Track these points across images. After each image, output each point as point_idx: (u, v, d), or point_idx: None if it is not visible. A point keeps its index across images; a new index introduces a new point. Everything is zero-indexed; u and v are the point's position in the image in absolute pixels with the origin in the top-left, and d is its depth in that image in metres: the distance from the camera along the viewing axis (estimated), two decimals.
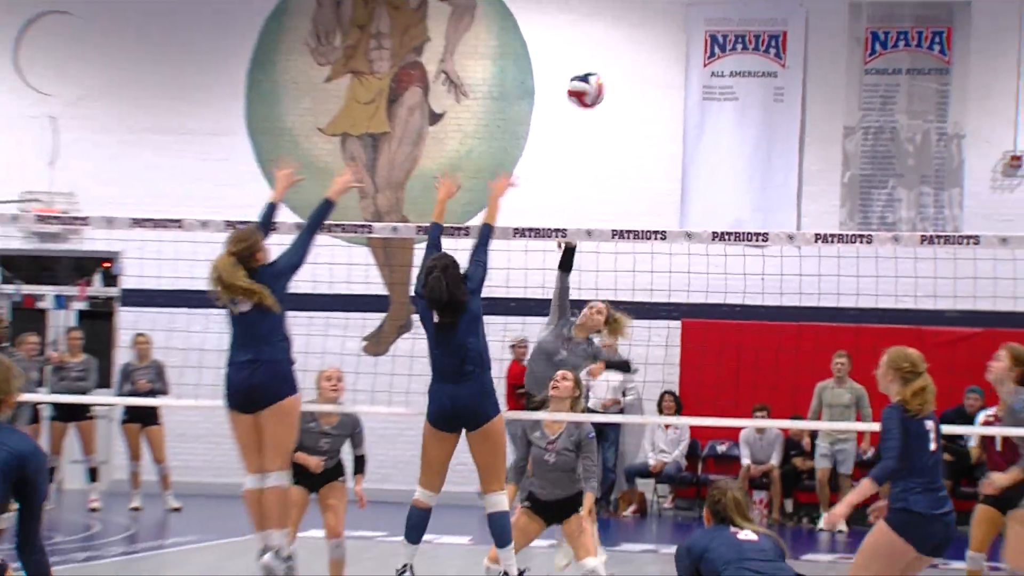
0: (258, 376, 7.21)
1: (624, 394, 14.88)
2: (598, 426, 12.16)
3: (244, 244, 7.41)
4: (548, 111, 16.38)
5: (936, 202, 15.28)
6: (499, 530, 7.66)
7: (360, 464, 8.80)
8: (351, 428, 8.67)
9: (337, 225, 10.93)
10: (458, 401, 7.46)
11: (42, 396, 13.27)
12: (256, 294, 7.22)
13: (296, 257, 7.66)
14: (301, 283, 15.23)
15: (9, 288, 16.61)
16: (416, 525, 7.61)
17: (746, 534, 5.74)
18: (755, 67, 15.87)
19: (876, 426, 8.71)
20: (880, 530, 6.41)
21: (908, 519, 6.28)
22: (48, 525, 10.74)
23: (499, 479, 7.87)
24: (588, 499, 8.87)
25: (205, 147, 17.05)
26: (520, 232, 9.56)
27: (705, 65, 15.92)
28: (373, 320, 16.26)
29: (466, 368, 7.43)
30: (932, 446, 6.56)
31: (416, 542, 7.70)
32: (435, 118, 16.50)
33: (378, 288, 16.25)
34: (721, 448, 15.25)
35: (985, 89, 15.88)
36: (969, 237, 12.05)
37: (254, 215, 8.92)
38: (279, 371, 7.31)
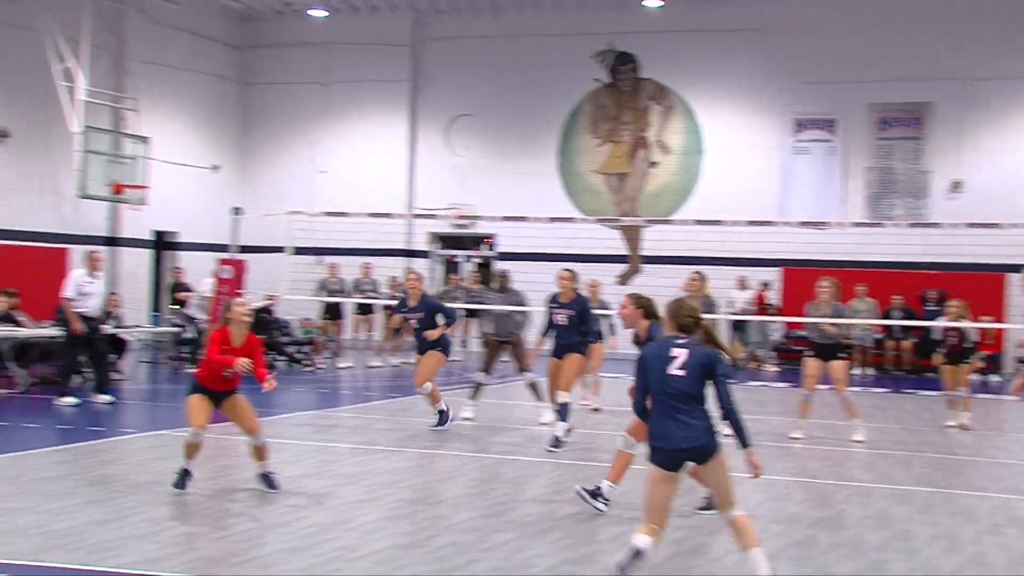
0: None
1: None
2: None
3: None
4: (712, 163, 27.33)
5: (915, 207, 26.48)
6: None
7: None
8: None
9: (610, 219, 22.96)
10: None
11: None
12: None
13: None
14: (583, 248, 25.80)
15: (443, 252, 29.34)
16: None
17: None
18: (819, 137, 26.64)
19: None
20: None
21: None
22: None
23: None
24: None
25: (528, 180, 28.27)
26: (699, 222, 21.42)
27: (792, 135, 26.87)
28: (620, 267, 27.69)
29: None
30: None
31: None
32: (653, 164, 27.82)
33: (622, 251, 27.48)
34: None
35: (941, 145, 25.69)
36: (932, 224, 22.94)
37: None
38: None
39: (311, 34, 30.19)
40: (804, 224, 21.48)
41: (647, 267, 26.81)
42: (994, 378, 24.56)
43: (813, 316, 14.19)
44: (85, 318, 15.87)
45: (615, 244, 27.54)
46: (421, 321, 13.87)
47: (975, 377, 20.60)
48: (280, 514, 8.77)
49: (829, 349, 14.05)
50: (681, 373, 6.45)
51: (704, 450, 6.39)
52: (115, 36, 25.75)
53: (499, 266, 16.87)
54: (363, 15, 29.72)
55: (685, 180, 27.81)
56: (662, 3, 27.49)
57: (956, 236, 21.95)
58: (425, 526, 8.50)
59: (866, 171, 26.74)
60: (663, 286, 14.03)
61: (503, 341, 15.21)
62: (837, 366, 13.95)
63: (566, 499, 9.43)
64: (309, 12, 29.45)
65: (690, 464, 6.49)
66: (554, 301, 13.16)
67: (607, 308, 16.63)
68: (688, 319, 6.64)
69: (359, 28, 29.77)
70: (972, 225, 20.40)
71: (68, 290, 15.89)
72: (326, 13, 29.45)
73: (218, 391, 9.50)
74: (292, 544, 7.79)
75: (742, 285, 25.78)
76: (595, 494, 9.03)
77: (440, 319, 14.21)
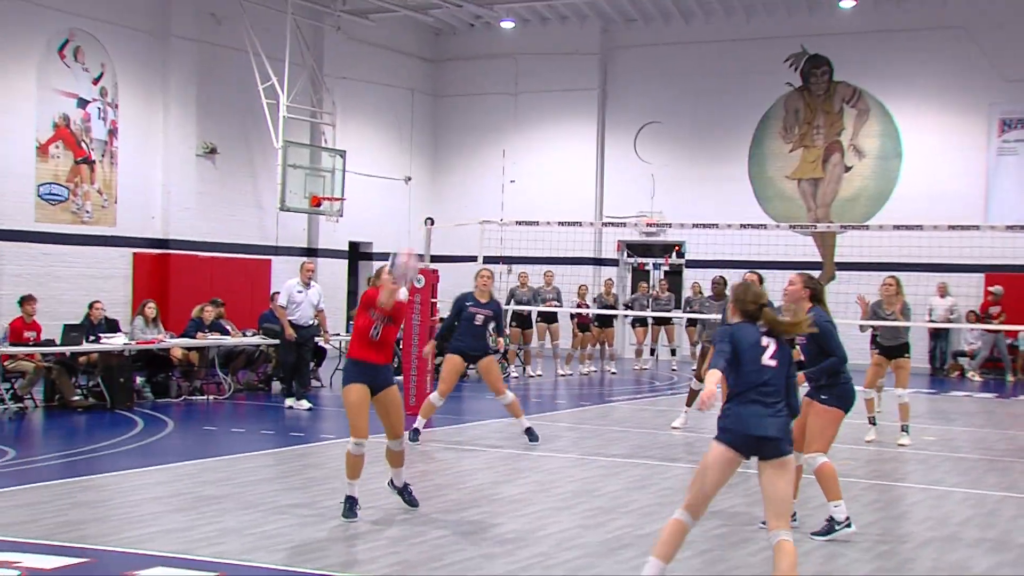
0: None
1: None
2: None
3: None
4: (910, 166, 26.57)
5: None
6: None
7: None
8: None
9: (806, 225, 22.64)
10: None
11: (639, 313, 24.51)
12: None
13: None
14: (774, 255, 25.91)
15: (631, 260, 29.39)
16: None
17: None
18: None
19: None
20: None
21: None
22: None
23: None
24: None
25: (718, 186, 27.96)
26: (897, 227, 20.95)
27: (998, 136, 25.99)
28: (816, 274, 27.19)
29: None
30: None
31: None
32: (847, 169, 27.25)
33: (817, 258, 26.70)
34: None
35: None
36: None
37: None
38: None
39: (501, 45, 30.64)
40: (1010, 228, 20.56)
41: (842, 274, 26.27)
42: None
43: (881, 315, 13.98)
44: (295, 326, 16.60)
45: (808, 250, 27.04)
46: (486, 321, 13.50)
47: None
48: (475, 520, 8.93)
49: (895, 349, 14.01)
50: (773, 364, 6.46)
51: (775, 445, 6.32)
52: (313, 53, 26.63)
53: (716, 274, 16.87)
54: (552, 25, 30.02)
55: (881, 184, 27.20)
56: (855, 3, 26.90)
57: None
58: (618, 535, 8.53)
59: None
60: (857, 293, 14.17)
61: None
62: (902, 364, 13.96)
63: (761, 512, 9.34)
64: (501, 24, 29.83)
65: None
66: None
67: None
68: (752, 305, 6.59)
69: (548, 38, 30.07)
70: None
71: (281, 298, 16.87)
72: (515, 24, 29.80)
73: (376, 374, 8.95)
74: (487, 551, 7.93)
75: (942, 292, 25.07)
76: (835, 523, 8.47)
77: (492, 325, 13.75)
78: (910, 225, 20.50)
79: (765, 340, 6.51)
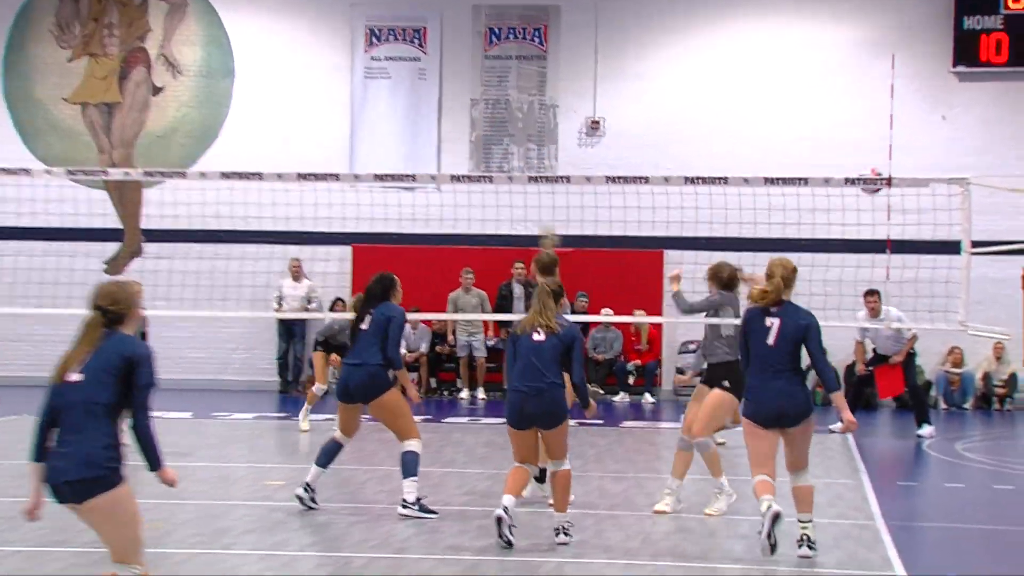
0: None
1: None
2: None
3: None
4: (247, 87, 20.09)
5: (539, 155, 19.54)
6: None
7: None
8: None
9: (79, 170, 15.08)
10: None
11: None
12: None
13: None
14: (50, 216, 19.09)
15: None
16: None
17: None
18: (404, 53, 19.86)
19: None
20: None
21: None
22: None
23: None
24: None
25: None
26: (226, 175, 13.51)
27: (366, 51, 19.86)
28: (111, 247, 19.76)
29: None
30: None
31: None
32: (157, 91, 20.19)
33: (114, 222, 19.80)
34: None
35: (572, 71, 19.69)
36: (563, 177, 16.60)
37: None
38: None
39: None
40: (380, 178, 14.63)
41: (153, 247, 19.76)
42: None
43: None
44: None
45: (99, 208, 19.71)
46: None
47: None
48: None
49: None
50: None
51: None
52: None
53: None
54: None
55: (208, 115, 20.36)
56: None
57: (595, 197, 15.98)
58: None
59: (471, 105, 20.24)
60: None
61: None
62: None
63: None
64: None
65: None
66: None
67: None
68: None
69: None
70: (615, 180, 14.13)
71: None
72: None
73: None
74: None
75: (296, 273, 19.00)
76: None
77: None
78: (246, 173, 13.90)
79: None
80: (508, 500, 8.20)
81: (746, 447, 8.14)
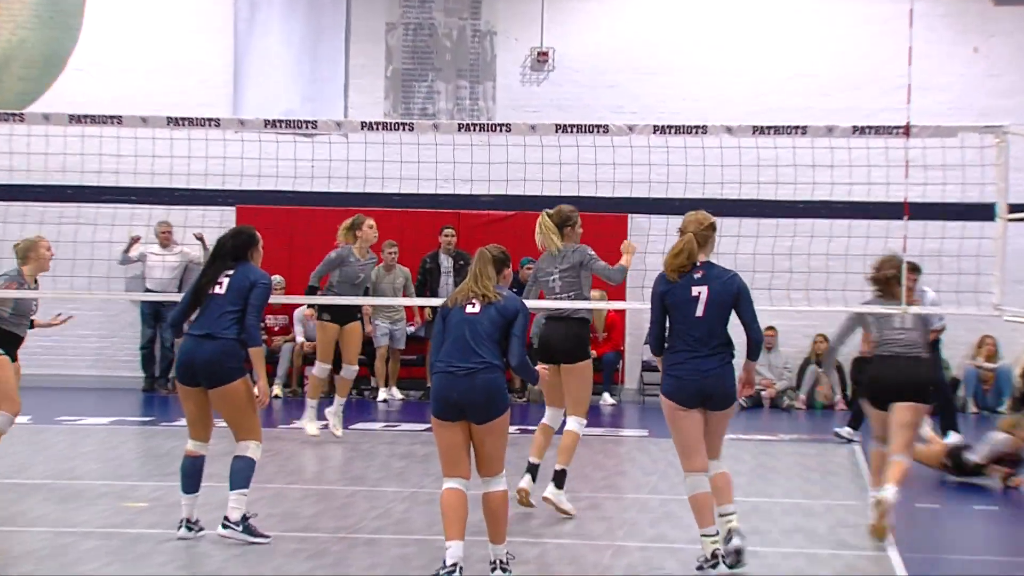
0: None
1: None
2: None
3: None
4: (103, 5, 20.39)
5: (472, 95, 20.21)
6: None
7: None
8: None
9: None
10: None
11: None
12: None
13: None
14: None
15: None
16: None
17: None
18: None
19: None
20: None
21: None
22: None
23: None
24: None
25: None
26: (77, 119, 13.39)
27: None
28: None
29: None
30: None
31: None
32: None
33: None
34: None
35: None
36: (502, 125, 16.55)
37: None
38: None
39: None
40: (275, 125, 14.86)
41: None
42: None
43: None
44: None
45: None
46: None
47: None
48: None
49: None
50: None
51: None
52: None
53: None
54: None
55: (52, 41, 21.08)
56: None
57: (541, 149, 15.61)
58: None
59: (387, 30, 20.77)
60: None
61: None
62: None
63: None
64: None
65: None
66: None
67: None
68: None
69: None
70: (567, 128, 14.40)
71: None
72: None
73: None
74: None
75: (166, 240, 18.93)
76: None
77: None
78: (101, 116, 13.96)
79: None
80: (456, 551, 7.94)
81: (671, 432, 8.75)
